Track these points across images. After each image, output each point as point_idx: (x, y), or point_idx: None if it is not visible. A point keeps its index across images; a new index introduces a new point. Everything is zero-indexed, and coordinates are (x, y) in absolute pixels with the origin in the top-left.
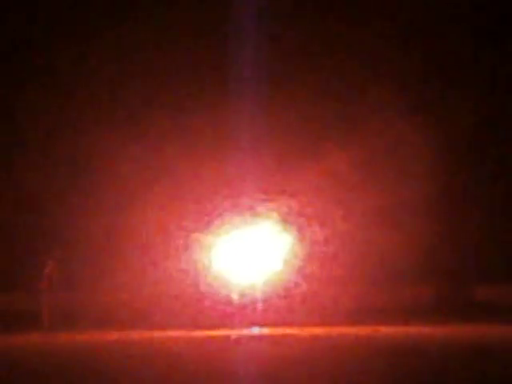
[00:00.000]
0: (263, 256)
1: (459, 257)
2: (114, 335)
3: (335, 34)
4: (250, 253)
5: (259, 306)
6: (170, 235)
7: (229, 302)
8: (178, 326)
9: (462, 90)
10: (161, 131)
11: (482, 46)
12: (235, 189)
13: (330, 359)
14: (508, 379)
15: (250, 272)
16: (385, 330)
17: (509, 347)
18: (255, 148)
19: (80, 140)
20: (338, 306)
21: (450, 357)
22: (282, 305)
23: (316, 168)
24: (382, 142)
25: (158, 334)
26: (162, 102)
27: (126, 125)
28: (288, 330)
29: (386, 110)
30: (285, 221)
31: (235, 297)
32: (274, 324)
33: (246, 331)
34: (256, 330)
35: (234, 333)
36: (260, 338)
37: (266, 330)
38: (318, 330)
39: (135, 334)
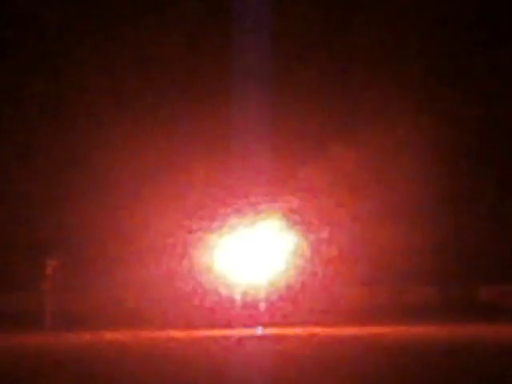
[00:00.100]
0: (267, 256)
1: (464, 257)
2: (116, 335)
3: (342, 34)
4: (253, 253)
5: (263, 305)
6: (174, 235)
7: (232, 301)
8: (181, 326)
9: (469, 91)
10: (165, 133)
11: (491, 48)
12: (239, 189)
13: (334, 359)
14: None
15: (254, 272)
16: (389, 330)
17: None
18: (259, 148)
19: (84, 142)
20: (341, 306)
21: (454, 356)
22: (285, 305)
23: (321, 168)
24: (388, 143)
25: (160, 334)
26: (168, 103)
27: (129, 127)
28: (292, 330)
29: (393, 111)
30: (289, 220)
31: (239, 297)
32: (278, 324)
33: (249, 331)
34: (259, 330)
35: (237, 332)
36: (263, 337)
37: (269, 330)
38: (322, 330)
39: (138, 334)
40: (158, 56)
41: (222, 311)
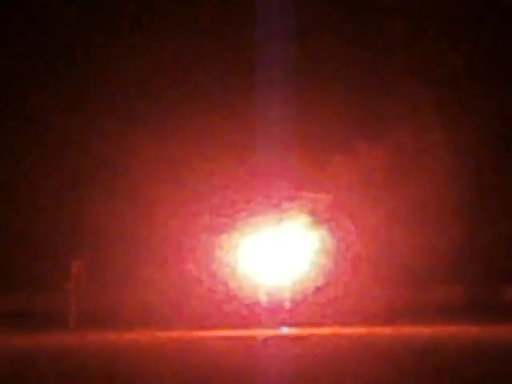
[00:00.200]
0: (292, 256)
1: (488, 257)
2: (141, 335)
3: (366, 31)
4: (278, 252)
5: (287, 305)
6: (198, 235)
7: (257, 301)
8: (206, 326)
9: (492, 90)
10: (187, 132)
11: None
12: (263, 188)
13: (358, 359)
14: None
15: (279, 272)
16: (414, 330)
17: None
18: (283, 147)
19: (109, 144)
20: (366, 307)
21: (478, 357)
22: (310, 305)
23: (347, 166)
24: (415, 142)
25: (184, 334)
26: (189, 101)
27: (152, 128)
28: (317, 330)
29: (421, 109)
30: (313, 220)
31: (263, 297)
32: (303, 324)
33: (274, 331)
34: (284, 330)
35: (262, 333)
36: (288, 338)
37: (294, 330)
38: (347, 330)
39: (163, 334)
40: (179, 54)
41: (246, 311)
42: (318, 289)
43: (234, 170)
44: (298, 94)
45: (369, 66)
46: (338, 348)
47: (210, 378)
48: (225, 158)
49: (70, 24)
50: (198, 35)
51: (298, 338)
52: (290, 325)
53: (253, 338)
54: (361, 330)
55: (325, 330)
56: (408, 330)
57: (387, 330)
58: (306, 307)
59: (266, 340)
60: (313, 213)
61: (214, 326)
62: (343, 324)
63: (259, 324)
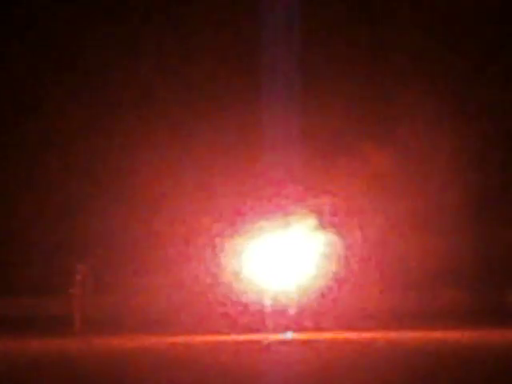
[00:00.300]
0: (296, 260)
1: (492, 261)
2: (144, 340)
3: (374, 33)
4: (283, 257)
5: (292, 310)
6: (202, 239)
7: (262, 306)
8: (210, 331)
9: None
10: (193, 135)
11: None
12: (268, 192)
13: (363, 364)
14: None
15: (284, 276)
16: (417, 335)
17: None
18: (289, 150)
19: (111, 147)
20: (371, 311)
21: (481, 361)
22: (315, 309)
23: (351, 171)
24: (422, 146)
25: (189, 338)
26: (196, 104)
27: (158, 131)
28: (322, 335)
29: (428, 113)
30: (318, 224)
31: (268, 301)
32: (308, 329)
33: (279, 336)
34: (289, 335)
35: (266, 337)
36: (293, 342)
37: (299, 335)
38: (352, 335)
39: (167, 339)
40: (184, 57)
41: (251, 316)
42: (323, 294)
43: (239, 173)
44: (304, 96)
45: (375, 68)
46: (343, 353)
47: (214, 382)
48: (230, 162)
49: (70, 24)
50: (202, 37)
51: (302, 342)
52: (295, 330)
53: (257, 342)
54: (366, 335)
55: (329, 335)
56: (413, 335)
57: (392, 335)
58: (310, 312)
59: (270, 345)
60: (318, 217)
61: (219, 331)
62: (348, 329)
63: (264, 329)
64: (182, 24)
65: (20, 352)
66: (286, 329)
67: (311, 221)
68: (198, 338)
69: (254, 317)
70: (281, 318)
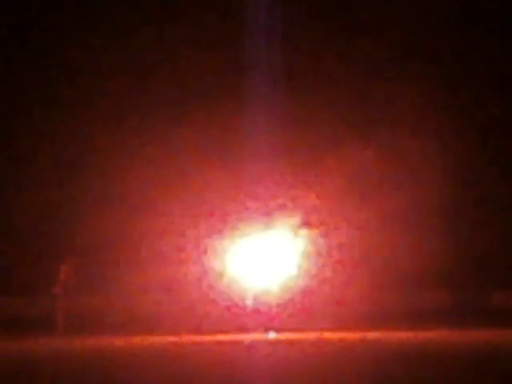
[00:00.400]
0: (278, 260)
1: (476, 261)
2: (128, 340)
3: (363, 32)
4: (264, 257)
5: (274, 310)
6: (185, 239)
7: (243, 306)
8: (191, 331)
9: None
10: (178, 136)
11: None
12: (250, 193)
13: (345, 364)
14: None
15: (265, 276)
16: (400, 335)
17: None
18: (273, 149)
19: (94, 146)
20: (353, 311)
21: (465, 362)
22: (297, 309)
23: (336, 170)
24: (407, 146)
25: (171, 338)
26: (180, 105)
27: (143, 131)
28: (303, 335)
29: (413, 113)
30: (299, 225)
31: (250, 301)
32: (290, 329)
33: (260, 336)
34: (271, 335)
35: (248, 337)
36: (275, 342)
37: (281, 335)
38: (334, 335)
39: (149, 339)
40: (169, 57)
41: (233, 316)
42: (305, 293)
43: (219, 175)
44: (288, 96)
45: (361, 67)
46: (325, 353)
47: (195, 382)
48: (210, 164)
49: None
50: (185, 39)
51: (284, 342)
52: (277, 330)
53: (239, 342)
54: (349, 335)
55: (312, 335)
56: (397, 335)
57: (376, 335)
58: (293, 312)
59: (252, 345)
60: (302, 216)
61: (201, 331)
62: (331, 329)
63: (245, 328)
64: (167, 26)
65: (2, 352)
66: (268, 329)
67: (295, 220)
68: (182, 338)
69: (236, 316)
70: (263, 317)
